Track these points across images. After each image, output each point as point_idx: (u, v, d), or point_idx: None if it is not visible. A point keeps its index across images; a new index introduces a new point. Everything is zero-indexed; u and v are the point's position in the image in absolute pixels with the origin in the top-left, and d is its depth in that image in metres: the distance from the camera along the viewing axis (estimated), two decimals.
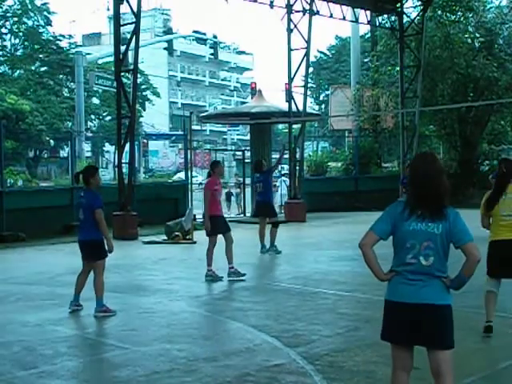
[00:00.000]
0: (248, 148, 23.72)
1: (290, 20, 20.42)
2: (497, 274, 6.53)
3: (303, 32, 20.52)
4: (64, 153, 47.52)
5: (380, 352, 6.08)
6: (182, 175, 27.95)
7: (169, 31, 65.71)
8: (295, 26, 20.46)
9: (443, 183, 3.81)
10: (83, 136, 37.66)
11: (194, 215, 17.19)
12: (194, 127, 30.55)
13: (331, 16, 21.72)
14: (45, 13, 49.52)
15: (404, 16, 24.26)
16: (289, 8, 20.40)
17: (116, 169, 18.54)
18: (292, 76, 20.73)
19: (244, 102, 61.97)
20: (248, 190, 23.27)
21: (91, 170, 8.19)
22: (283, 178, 24.63)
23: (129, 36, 16.81)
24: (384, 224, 3.88)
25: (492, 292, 6.53)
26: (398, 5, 23.90)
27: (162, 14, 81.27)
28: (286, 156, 20.31)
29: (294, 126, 23.10)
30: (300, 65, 20.84)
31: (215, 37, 52.62)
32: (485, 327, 6.47)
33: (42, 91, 46.30)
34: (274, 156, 23.96)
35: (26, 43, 49.32)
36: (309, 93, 39.11)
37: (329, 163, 28.19)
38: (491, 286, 6.55)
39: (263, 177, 13.48)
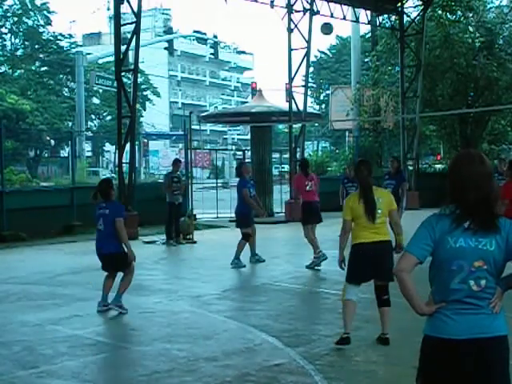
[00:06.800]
0: (248, 148, 23.67)
1: (290, 20, 20.39)
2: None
3: (303, 32, 20.52)
4: (64, 153, 47.52)
5: (380, 352, 6.09)
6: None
7: (169, 31, 65.55)
8: (295, 25, 20.43)
9: (494, 187, 3.15)
10: (83, 136, 37.68)
11: (195, 215, 17.14)
12: (194, 127, 30.55)
13: (332, 16, 21.70)
14: (45, 12, 49.54)
15: (404, 16, 24.27)
16: (289, 8, 20.38)
17: (116, 168, 18.52)
18: (292, 76, 20.71)
19: (244, 102, 61.98)
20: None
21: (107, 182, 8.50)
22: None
23: (129, 36, 16.76)
24: (423, 243, 3.05)
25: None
26: (399, 4, 23.89)
27: (163, 13, 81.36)
28: (287, 156, 20.27)
29: (295, 126, 23.08)
30: (300, 65, 20.82)
31: (215, 36, 52.72)
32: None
33: (42, 91, 46.33)
34: (274, 156, 23.93)
35: (26, 43, 49.33)
36: (309, 92, 39.00)
37: (329, 163, 28.18)
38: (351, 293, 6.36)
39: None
